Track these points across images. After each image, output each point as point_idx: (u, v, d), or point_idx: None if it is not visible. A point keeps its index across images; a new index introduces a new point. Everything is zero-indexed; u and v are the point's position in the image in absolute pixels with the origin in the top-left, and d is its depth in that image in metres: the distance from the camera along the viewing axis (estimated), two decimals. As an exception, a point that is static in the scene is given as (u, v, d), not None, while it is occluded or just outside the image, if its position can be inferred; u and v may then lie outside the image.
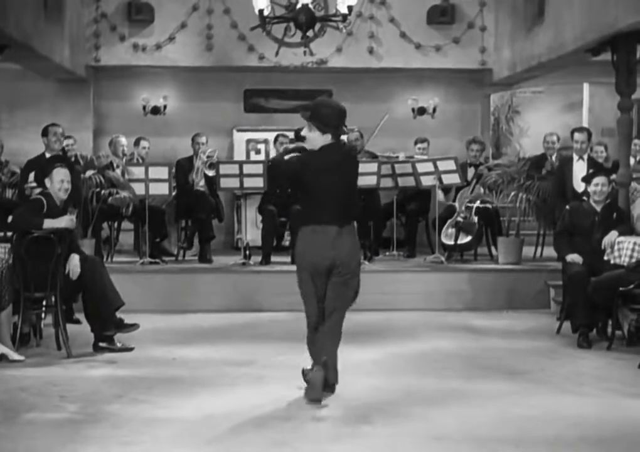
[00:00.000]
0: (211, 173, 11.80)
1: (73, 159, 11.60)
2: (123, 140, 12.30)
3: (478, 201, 11.84)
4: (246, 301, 10.69)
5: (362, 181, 10.90)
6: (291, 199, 11.73)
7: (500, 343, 8.73)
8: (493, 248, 12.12)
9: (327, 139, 6.48)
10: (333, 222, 6.46)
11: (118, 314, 8.20)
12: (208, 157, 12.00)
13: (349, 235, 6.56)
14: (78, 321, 8.89)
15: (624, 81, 10.10)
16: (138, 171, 11.42)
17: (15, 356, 7.69)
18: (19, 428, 5.76)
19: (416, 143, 12.76)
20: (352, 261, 6.53)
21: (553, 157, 12.14)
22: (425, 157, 12.29)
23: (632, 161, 12.30)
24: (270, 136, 13.98)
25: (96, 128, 14.41)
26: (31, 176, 9.87)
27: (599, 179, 9.03)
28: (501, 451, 5.33)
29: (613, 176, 10.01)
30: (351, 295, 6.57)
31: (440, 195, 12.01)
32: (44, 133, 10.92)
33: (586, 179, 9.30)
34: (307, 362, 6.53)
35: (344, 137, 6.82)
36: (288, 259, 11.37)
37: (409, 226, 12.60)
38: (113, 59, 13.78)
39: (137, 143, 12.87)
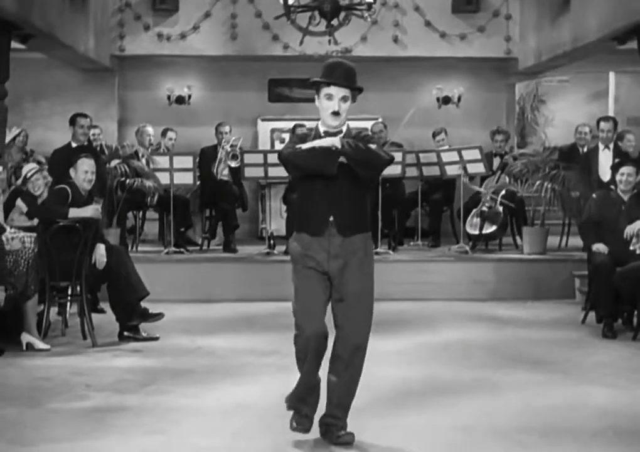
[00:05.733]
0: (234, 164, 11.78)
1: (98, 148, 11.65)
2: (150, 129, 12.32)
3: (503, 192, 11.76)
4: (270, 291, 10.65)
5: (387, 170, 10.87)
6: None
7: (525, 333, 8.70)
8: (518, 238, 12.07)
9: None
10: None
11: (143, 304, 8.23)
12: (231, 146, 11.96)
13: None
14: (102, 311, 8.95)
15: (650, 69, 10.04)
16: (162, 161, 11.46)
17: (41, 345, 7.73)
18: (44, 417, 5.79)
19: (434, 136, 12.64)
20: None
21: (585, 149, 11.96)
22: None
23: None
24: (295, 125, 14.00)
25: (120, 117, 14.44)
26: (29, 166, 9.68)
27: (626, 169, 8.93)
28: (525, 441, 5.31)
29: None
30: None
31: (465, 179, 11.89)
32: (72, 122, 10.87)
33: (614, 168, 9.22)
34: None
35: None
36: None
37: (433, 215, 12.56)
38: (138, 48, 13.80)
39: (164, 134, 12.87)
